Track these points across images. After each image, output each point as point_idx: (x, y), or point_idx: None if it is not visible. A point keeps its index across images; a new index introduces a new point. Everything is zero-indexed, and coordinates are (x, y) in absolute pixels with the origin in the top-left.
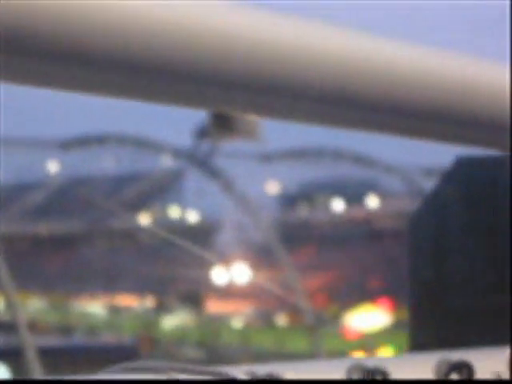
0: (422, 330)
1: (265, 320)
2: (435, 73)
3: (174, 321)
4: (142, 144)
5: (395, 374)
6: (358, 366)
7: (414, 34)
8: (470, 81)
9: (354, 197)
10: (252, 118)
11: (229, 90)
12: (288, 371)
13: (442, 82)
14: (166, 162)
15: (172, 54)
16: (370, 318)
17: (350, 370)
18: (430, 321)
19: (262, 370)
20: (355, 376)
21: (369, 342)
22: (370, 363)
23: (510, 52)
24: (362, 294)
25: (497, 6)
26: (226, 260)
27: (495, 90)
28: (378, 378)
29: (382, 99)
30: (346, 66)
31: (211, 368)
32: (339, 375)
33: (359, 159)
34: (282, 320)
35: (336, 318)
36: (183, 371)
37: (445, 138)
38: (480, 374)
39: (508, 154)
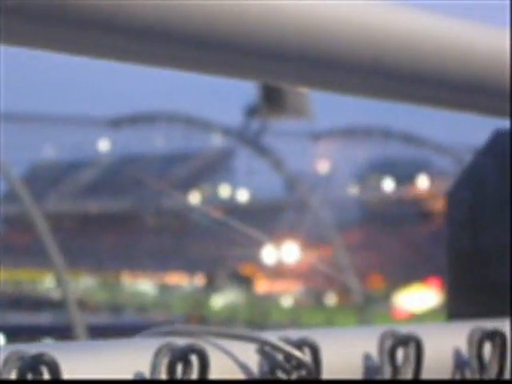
0: (458, 301)
1: (314, 299)
2: (433, 36)
3: (223, 299)
4: (192, 122)
5: (429, 342)
6: (390, 333)
7: None
8: (469, 46)
9: (404, 176)
10: (302, 96)
11: (278, 61)
12: (322, 337)
13: (441, 46)
14: (216, 140)
15: (221, 23)
16: (419, 297)
17: (382, 337)
18: (467, 291)
19: (296, 335)
20: (388, 343)
21: (418, 322)
22: (404, 330)
23: (510, 16)
24: (411, 274)
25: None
26: (275, 239)
27: (495, 54)
28: (411, 345)
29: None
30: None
31: (246, 332)
32: (372, 342)
33: (409, 138)
34: (331, 299)
35: (385, 298)
36: (218, 335)
37: (441, 104)
38: None
39: None
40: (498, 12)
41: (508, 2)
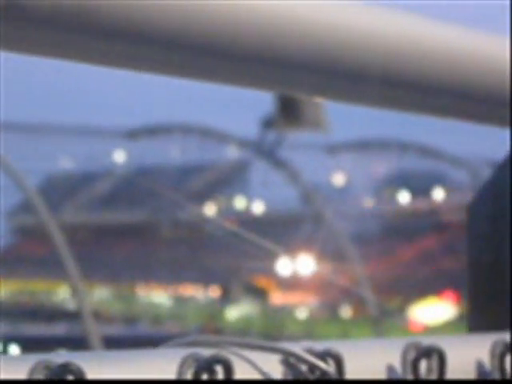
0: (479, 313)
1: (329, 312)
2: (436, 45)
3: (238, 311)
4: (207, 134)
5: (451, 354)
6: (414, 345)
7: None
8: (469, 54)
9: (419, 189)
10: (319, 108)
11: (295, 71)
12: (345, 348)
13: (442, 55)
14: (232, 152)
15: (238, 33)
16: (434, 310)
17: (405, 349)
18: (488, 304)
19: (320, 346)
20: (411, 355)
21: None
22: (427, 342)
23: (510, 25)
24: (426, 287)
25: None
26: (291, 251)
27: (495, 63)
28: (434, 357)
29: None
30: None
31: (270, 343)
32: (395, 354)
33: (424, 151)
34: (346, 312)
35: (400, 311)
36: (242, 345)
37: (442, 112)
38: None
39: None
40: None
41: (508, 3)
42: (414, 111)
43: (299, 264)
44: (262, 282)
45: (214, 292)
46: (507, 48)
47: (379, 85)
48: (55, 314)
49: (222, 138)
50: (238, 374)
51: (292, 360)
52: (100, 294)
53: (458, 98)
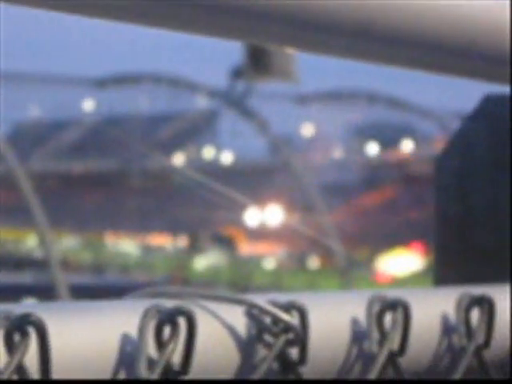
0: (446, 266)
1: (297, 262)
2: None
3: (206, 261)
4: (177, 84)
5: (417, 307)
6: (379, 298)
7: None
8: (468, 11)
9: (388, 140)
10: (289, 58)
11: (265, 21)
12: (310, 300)
13: (440, 12)
14: (201, 102)
15: None
16: (402, 262)
17: (370, 302)
18: (454, 257)
19: (284, 298)
20: (376, 308)
21: (400, 286)
22: (392, 295)
23: None
24: (394, 238)
25: None
26: (259, 202)
27: (495, 19)
28: (399, 310)
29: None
30: None
31: (234, 295)
32: (360, 306)
33: (394, 102)
34: (313, 262)
35: (368, 262)
36: (206, 297)
37: (441, 69)
38: (500, 309)
39: None
40: None
41: None
42: (406, 67)
43: (267, 214)
44: (230, 232)
45: (183, 242)
46: (507, 3)
47: (362, 38)
48: (23, 262)
49: (191, 87)
50: (201, 326)
51: (256, 312)
52: (68, 243)
53: (454, 54)
